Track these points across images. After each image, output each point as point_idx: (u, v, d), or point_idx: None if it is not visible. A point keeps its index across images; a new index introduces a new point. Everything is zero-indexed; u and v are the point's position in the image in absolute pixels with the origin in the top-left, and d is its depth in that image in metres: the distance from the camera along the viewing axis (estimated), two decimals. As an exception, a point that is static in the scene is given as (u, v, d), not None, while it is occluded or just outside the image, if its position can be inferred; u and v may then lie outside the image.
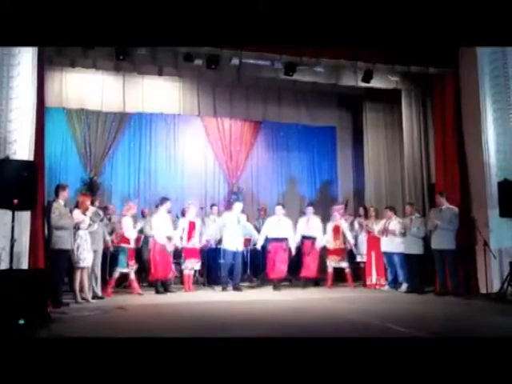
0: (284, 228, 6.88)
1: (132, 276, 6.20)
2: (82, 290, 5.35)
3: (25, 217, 4.81)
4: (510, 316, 4.65)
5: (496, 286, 5.92)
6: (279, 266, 6.79)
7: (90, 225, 5.49)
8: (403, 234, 6.57)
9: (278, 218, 6.95)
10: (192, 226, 6.74)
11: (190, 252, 6.66)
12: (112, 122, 8.60)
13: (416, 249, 6.41)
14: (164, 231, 6.43)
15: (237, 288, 6.62)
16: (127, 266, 6.08)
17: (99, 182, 8.50)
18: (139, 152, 9.14)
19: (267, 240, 6.95)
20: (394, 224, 6.74)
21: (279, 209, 6.93)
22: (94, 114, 8.32)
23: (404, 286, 6.56)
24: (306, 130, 9.27)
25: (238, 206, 6.97)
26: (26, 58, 5.16)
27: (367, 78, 6.85)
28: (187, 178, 9.28)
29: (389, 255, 6.77)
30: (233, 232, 6.72)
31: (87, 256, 5.35)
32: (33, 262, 4.88)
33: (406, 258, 6.53)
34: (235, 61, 6.48)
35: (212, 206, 7.92)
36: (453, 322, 4.30)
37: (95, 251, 5.73)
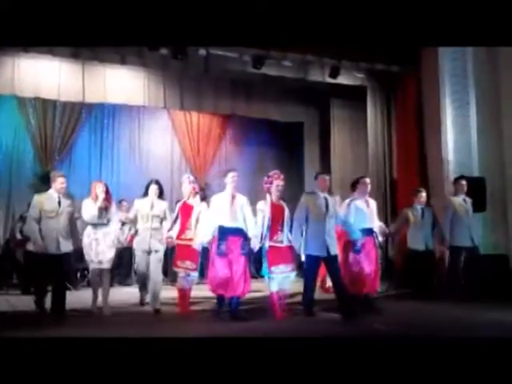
0: (373, 215, 4.69)
1: (179, 284, 4.62)
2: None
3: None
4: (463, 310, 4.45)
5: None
6: (375, 273, 4.53)
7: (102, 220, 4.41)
8: None
9: (367, 200, 4.67)
10: (278, 211, 4.21)
11: (276, 253, 4.15)
12: (71, 113, 8.12)
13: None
14: (227, 220, 4.10)
15: (351, 314, 4.07)
16: (174, 267, 4.66)
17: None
18: (101, 145, 8.71)
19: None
20: None
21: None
22: (50, 104, 7.81)
23: None
24: (274, 125, 9.16)
25: (322, 180, 4.39)
26: (-32, 40, 4.68)
27: (334, 74, 6.93)
28: (152, 173, 8.88)
29: None
30: (316, 224, 4.22)
31: (94, 258, 4.41)
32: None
33: None
34: (202, 51, 6.27)
35: (177, 202, 7.65)
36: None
37: (152, 252, 4.52)
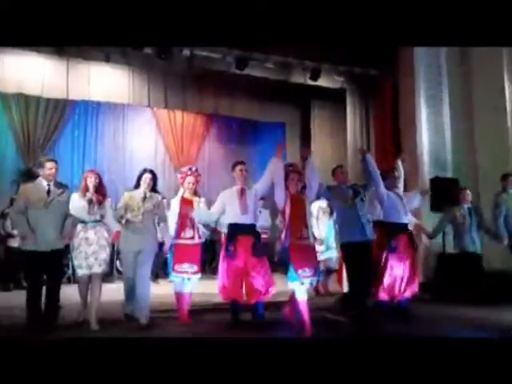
0: (407, 210, 4.27)
1: (178, 288, 3.98)
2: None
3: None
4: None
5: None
6: (409, 278, 4.06)
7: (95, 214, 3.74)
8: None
9: (397, 193, 4.27)
10: (298, 204, 3.70)
11: (301, 253, 3.56)
12: (54, 109, 8.12)
13: None
14: (237, 214, 3.75)
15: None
16: (172, 272, 3.95)
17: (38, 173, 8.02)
18: (84, 142, 8.72)
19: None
20: None
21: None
22: (34, 100, 7.80)
23: None
24: (257, 124, 9.33)
25: (340, 173, 4.13)
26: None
27: (314, 76, 7.14)
28: (136, 170, 8.91)
29: None
30: (346, 212, 3.93)
31: (83, 262, 3.68)
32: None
33: None
34: (186, 52, 6.38)
35: (162, 199, 7.75)
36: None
37: (142, 252, 3.74)
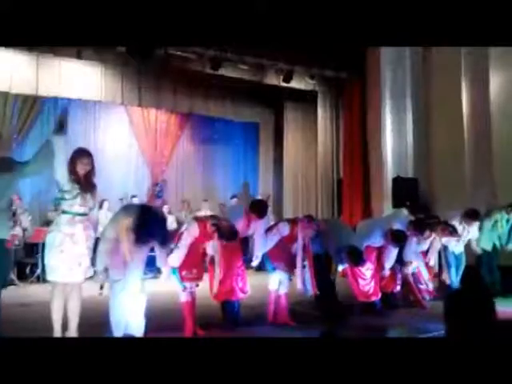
0: None
1: (183, 297, 3.44)
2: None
3: None
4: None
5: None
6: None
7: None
8: None
9: None
10: None
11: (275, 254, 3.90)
12: (22, 106, 7.91)
13: None
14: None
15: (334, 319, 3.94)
16: (180, 279, 3.40)
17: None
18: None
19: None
20: None
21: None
22: (2, 96, 7.58)
23: None
24: (231, 124, 9.44)
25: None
26: None
27: (287, 78, 7.29)
28: (108, 169, 8.86)
29: None
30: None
31: (60, 264, 2.91)
32: None
33: None
34: (160, 51, 6.39)
35: (132, 197, 7.77)
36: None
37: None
